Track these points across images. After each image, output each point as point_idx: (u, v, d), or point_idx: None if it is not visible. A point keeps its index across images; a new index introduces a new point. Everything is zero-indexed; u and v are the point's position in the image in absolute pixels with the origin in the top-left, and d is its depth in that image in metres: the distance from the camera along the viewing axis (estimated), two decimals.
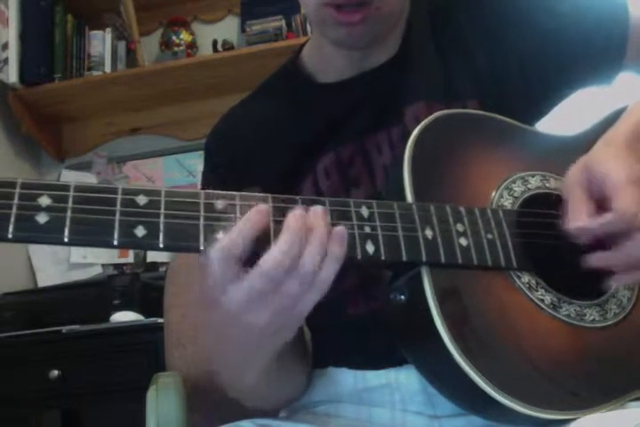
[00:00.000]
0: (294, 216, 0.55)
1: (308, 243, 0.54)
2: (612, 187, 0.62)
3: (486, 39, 0.83)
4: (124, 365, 1.67)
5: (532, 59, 0.82)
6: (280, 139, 0.86)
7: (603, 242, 0.63)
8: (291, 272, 0.54)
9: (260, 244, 0.53)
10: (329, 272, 0.55)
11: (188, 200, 0.53)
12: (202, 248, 0.52)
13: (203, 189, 0.91)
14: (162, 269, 2.12)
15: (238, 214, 0.54)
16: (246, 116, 0.91)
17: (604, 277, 0.70)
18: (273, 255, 0.53)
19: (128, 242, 0.51)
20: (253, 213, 0.54)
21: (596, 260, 0.63)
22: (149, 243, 0.51)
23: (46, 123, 2.40)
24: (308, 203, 0.57)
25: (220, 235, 0.53)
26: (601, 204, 0.63)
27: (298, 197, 0.57)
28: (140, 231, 0.51)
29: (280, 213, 0.55)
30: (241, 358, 0.68)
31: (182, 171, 2.39)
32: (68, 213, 0.49)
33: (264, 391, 0.78)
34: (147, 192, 0.52)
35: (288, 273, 0.54)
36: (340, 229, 0.56)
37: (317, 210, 0.56)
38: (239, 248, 0.53)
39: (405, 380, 0.76)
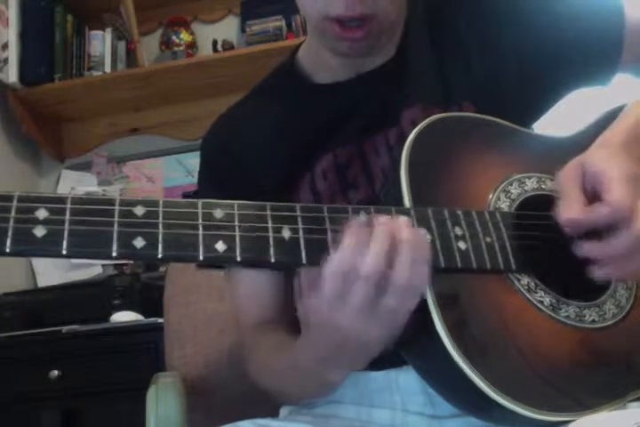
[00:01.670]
0: (381, 224, 0.56)
1: (399, 250, 0.55)
2: (605, 183, 0.62)
3: (483, 41, 0.83)
4: (124, 365, 1.67)
5: (528, 60, 0.82)
6: (277, 139, 0.86)
7: (592, 236, 0.63)
8: (388, 280, 0.55)
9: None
10: (422, 275, 0.57)
11: (186, 210, 0.53)
12: (201, 258, 0.52)
13: (199, 189, 0.92)
14: (162, 269, 2.11)
15: (237, 223, 0.54)
16: (243, 117, 0.91)
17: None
18: (367, 265, 0.54)
19: (127, 253, 0.50)
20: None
21: (583, 249, 0.63)
22: (148, 254, 0.51)
23: (46, 123, 2.40)
24: (307, 210, 0.57)
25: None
26: (593, 201, 0.63)
27: (296, 205, 0.57)
28: (139, 242, 0.51)
29: (281, 220, 0.56)
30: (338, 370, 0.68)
31: (182, 171, 2.39)
32: (66, 226, 0.49)
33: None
34: (144, 203, 0.52)
35: (386, 281, 0.55)
36: (422, 231, 0.58)
37: (403, 219, 0.57)
38: (350, 264, 0.54)
39: (405, 381, 0.76)
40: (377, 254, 0.55)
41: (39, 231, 0.48)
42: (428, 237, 0.61)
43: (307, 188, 0.83)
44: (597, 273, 0.63)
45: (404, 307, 0.57)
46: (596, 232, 0.62)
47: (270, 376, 0.79)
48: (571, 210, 0.62)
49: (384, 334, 0.59)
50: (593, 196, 0.63)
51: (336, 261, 0.55)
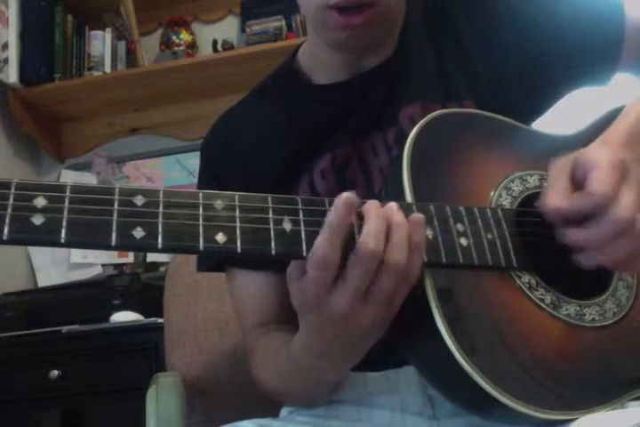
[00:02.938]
0: (373, 206, 0.56)
1: (392, 233, 0.55)
2: (591, 170, 0.61)
3: (483, 39, 0.83)
4: (124, 365, 1.67)
5: (529, 58, 0.82)
6: (276, 140, 0.86)
7: (580, 222, 0.62)
8: (383, 263, 0.55)
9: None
10: (416, 262, 0.57)
11: (186, 201, 0.53)
12: (201, 249, 0.52)
13: (199, 189, 0.92)
14: (162, 269, 2.12)
15: (238, 214, 0.54)
16: (243, 118, 0.91)
17: (604, 275, 0.71)
18: (365, 244, 0.54)
19: (126, 243, 0.50)
20: (338, 214, 0.54)
21: (566, 236, 0.63)
22: (148, 244, 0.50)
23: (46, 123, 2.40)
24: (308, 203, 0.57)
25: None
26: (582, 188, 0.62)
27: (298, 197, 0.57)
28: (139, 233, 0.50)
29: (282, 212, 0.55)
30: (336, 363, 0.67)
31: (182, 171, 2.39)
32: (65, 215, 0.48)
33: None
34: (144, 193, 0.52)
35: (381, 265, 0.55)
36: (418, 217, 0.57)
37: (392, 204, 0.57)
38: (334, 253, 0.53)
39: (405, 381, 0.76)
40: (372, 233, 0.54)
41: (37, 220, 0.47)
42: (430, 232, 0.61)
43: (306, 188, 0.83)
44: (580, 260, 0.63)
45: (398, 292, 0.57)
46: (583, 221, 0.62)
47: (272, 376, 0.79)
48: (554, 198, 0.62)
49: (377, 321, 0.59)
50: (581, 183, 0.63)
51: (325, 241, 0.53)
